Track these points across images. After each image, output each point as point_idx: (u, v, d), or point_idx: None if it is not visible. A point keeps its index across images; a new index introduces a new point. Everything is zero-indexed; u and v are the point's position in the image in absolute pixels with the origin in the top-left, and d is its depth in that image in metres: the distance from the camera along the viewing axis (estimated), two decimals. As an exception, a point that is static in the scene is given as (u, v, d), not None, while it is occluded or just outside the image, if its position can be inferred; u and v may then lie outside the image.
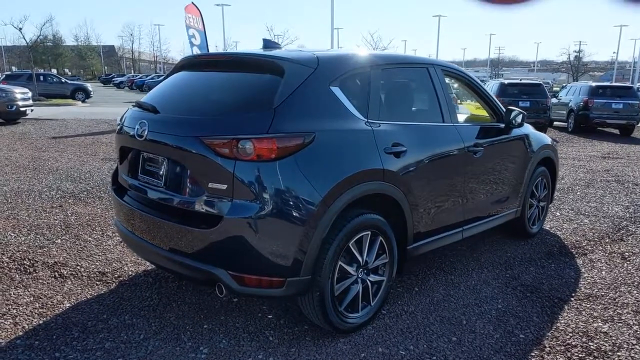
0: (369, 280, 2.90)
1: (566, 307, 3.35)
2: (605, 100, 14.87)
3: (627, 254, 4.44)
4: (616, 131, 15.57)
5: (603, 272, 3.98)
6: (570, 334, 2.98)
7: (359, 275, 2.84)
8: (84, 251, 4.05)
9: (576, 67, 68.48)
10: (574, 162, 9.53)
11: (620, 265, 4.14)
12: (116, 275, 3.58)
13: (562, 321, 3.14)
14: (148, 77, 41.53)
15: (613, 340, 2.89)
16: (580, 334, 2.97)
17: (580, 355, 2.74)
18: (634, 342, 2.88)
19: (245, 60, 2.90)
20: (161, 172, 2.71)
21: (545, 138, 4.81)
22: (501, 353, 2.74)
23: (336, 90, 2.72)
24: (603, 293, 3.57)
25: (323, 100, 2.66)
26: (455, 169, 3.45)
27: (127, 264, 3.79)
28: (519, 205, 4.40)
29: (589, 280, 3.82)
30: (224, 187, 2.40)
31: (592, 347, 2.83)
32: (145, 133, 2.69)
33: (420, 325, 3.02)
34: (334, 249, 2.59)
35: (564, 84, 31.70)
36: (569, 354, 2.74)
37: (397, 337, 2.86)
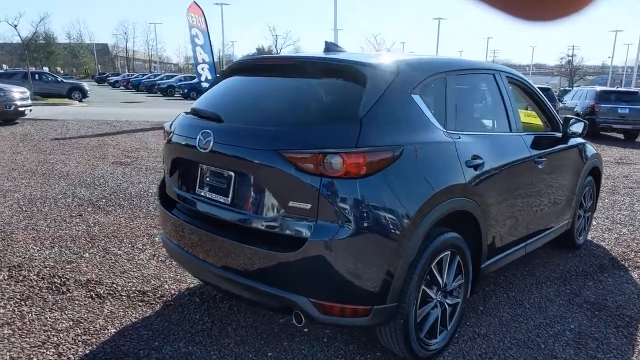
0: (446, 303, 2.69)
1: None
2: (611, 105, 14.82)
3: (680, 266, 4.27)
4: (620, 135, 15.53)
5: (664, 287, 3.81)
6: (656, 359, 2.79)
7: (438, 299, 2.62)
8: (117, 267, 3.78)
9: (573, 71, 68.89)
10: (592, 167, 9.38)
11: (679, 279, 3.97)
12: (158, 295, 3.32)
13: (643, 344, 2.95)
14: (144, 77, 40.73)
15: None
16: (667, 358, 2.78)
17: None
18: None
19: (318, 65, 2.64)
20: (227, 188, 2.46)
21: (592, 147, 4.63)
22: (594, 383, 2.54)
23: (417, 99, 2.49)
24: (674, 311, 3.39)
25: (406, 109, 2.43)
26: (522, 180, 3.25)
27: (166, 282, 3.53)
28: (570, 217, 4.22)
29: (652, 297, 3.63)
30: (308, 206, 2.16)
31: (684, 374, 2.64)
32: (211, 145, 2.43)
33: (497, 349, 2.80)
34: (419, 272, 2.37)
35: (561, 88, 31.78)
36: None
37: (478, 365, 2.64)
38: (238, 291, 2.45)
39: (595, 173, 4.66)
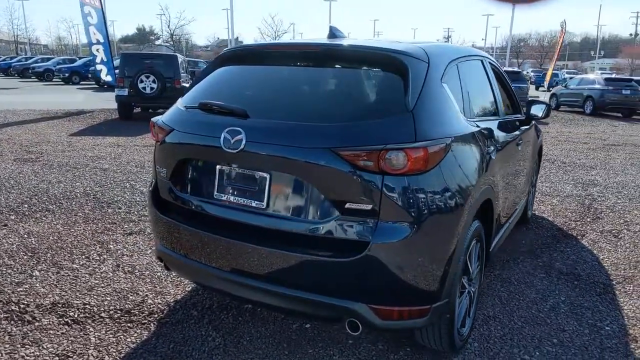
0: (472, 291, 2.70)
1: (616, 292, 3.45)
2: (500, 84, 16.16)
3: (614, 231, 4.76)
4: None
5: (612, 252, 4.21)
6: (641, 320, 3.06)
7: (468, 288, 2.62)
8: (80, 284, 3.27)
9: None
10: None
11: (619, 244, 4.41)
12: (146, 312, 2.93)
13: (625, 307, 3.22)
14: (14, 60, 35.92)
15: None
16: (650, 319, 3.07)
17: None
18: None
19: (350, 53, 2.42)
20: (261, 191, 2.19)
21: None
22: (607, 350, 2.71)
23: (446, 88, 2.42)
24: (632, 274, 3.76)
25: (442, 99, 2.34)
26: (511, 162, 3.36)
27: (147, 295, 3.13)
28: (528, 193, 4.49)
29: (608, 262, 4.00)
30: (368, 207, 1.99)
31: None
32: (242, 144, 2.14)
33: (512, 330, 2.89)
34: (462, 264, 2.34)
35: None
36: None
37: (505, 347, 2.69)
38: (280, 303, 2.22)
39: (540, 150, 5.01)
